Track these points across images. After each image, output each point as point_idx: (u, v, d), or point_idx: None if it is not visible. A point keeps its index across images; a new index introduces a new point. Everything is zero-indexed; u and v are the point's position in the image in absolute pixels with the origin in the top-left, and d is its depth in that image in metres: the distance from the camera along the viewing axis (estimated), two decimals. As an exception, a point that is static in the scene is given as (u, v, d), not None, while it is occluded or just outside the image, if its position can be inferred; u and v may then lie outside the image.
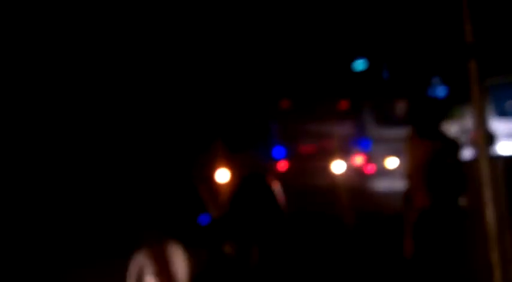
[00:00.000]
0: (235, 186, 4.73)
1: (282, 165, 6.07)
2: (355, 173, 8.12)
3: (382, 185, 8.53)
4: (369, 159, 8.48)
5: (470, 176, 3.17)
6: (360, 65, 7.57)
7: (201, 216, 4.35)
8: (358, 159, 8.26)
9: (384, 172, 8.47)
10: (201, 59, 6.85)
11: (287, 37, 6.51)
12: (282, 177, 5.74)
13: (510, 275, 2.87)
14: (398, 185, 8.76)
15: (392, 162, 8.37)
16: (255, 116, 5.66)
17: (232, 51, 6.84)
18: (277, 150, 6.00)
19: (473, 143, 2.91)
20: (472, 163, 3.00)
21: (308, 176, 6.59)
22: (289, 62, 6.69)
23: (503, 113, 11.58)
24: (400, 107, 8.90)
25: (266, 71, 6.56)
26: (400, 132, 9.29)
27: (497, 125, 11.31)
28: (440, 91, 9.89)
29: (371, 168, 8.53)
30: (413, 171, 3.46)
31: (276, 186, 5.28)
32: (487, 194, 2.94)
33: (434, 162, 3.35)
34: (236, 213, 4.82)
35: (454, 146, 3.53)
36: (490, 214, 2.92)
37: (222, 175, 4.59)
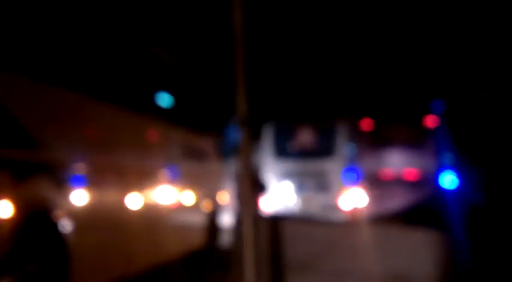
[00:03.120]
0: (19, 224, 4.19)
1: (80, 195, 5.50)
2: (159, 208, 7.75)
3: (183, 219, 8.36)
4: (178, 194, 8.20)
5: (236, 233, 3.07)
6: (164, 100, 7.39)
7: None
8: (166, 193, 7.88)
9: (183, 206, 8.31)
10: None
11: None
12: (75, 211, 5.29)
13: None
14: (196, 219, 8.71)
15: (189, 197, 8.26)
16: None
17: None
18: (76, 179, 5.46)
19: (240, 200, 2.77)
20: (239, 222, 2.86)
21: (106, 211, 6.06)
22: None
23: (282, 154, 12.45)
24: (203, 143, 8.88)
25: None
26: (200, 166, 9.33)
27: (278, 165, 12.16)
28: (234, 132, 10.18)
29: (179, 203, 8.25)
30: None
31: (64, 222, 4.81)
32: (248, 253, 2.85)
33: None
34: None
35: None
36: (249, 272, 2.82)
37: (4, 208, 3.94)
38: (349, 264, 2.69)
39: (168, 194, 7.61)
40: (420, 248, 2.54)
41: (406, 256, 2.57)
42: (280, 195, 12.16)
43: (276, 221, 3.01)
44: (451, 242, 2.48)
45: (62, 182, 4.89)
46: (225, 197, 9.98)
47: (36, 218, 4.48)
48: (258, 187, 3.25)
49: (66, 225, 4.82)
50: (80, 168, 5.25)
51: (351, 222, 7.83)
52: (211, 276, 3.18)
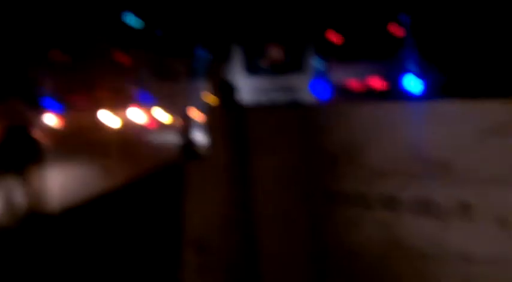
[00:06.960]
0: None
1: (54, 118, 5.36)
2: (135, 127, 7.49)
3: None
4: (151, 114, 7.97)
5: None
6: (132, 21, 6.95)
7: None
8: (138, 113, 7.62)
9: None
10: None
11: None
12: (53, 130, 5.21)
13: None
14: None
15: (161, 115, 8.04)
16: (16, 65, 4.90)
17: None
18: (48, 102, 5.34)
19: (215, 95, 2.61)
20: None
21: (82, 131, 5.82)
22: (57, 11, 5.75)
23: (252, 71, 12.08)
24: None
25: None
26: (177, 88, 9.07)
27: (248, 82, 11.85)
28: (203, 52, 10.15)
29: (153, 123, 8.04)
30: None
31: (40, 139, 4.81)
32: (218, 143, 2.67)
33: None
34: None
35: None
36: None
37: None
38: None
39: (140, 113, 7.40)
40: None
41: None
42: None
43: (247, 112, 2.84)
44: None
45: (36, 101, 4.84)
46: (196, 113, 9.83)
47: (14, 132, 4.52)
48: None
49: (42, 142, 4.78)
50: (52, 88, 5.13)
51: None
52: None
